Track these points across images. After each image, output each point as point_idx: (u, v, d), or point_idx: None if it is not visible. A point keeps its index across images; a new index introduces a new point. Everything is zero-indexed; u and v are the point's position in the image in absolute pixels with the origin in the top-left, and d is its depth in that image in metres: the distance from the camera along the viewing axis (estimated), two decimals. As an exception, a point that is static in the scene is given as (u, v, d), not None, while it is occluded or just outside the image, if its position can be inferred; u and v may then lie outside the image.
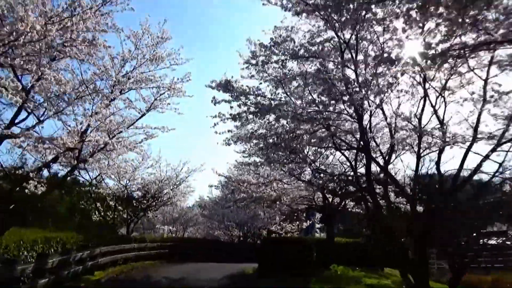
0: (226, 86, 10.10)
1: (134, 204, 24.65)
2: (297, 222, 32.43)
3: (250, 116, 10.68)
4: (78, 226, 27.42)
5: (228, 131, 12.15)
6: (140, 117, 14.70)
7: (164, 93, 14.65)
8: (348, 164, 17.38)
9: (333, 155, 16.81)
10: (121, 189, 22.34)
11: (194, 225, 36.00)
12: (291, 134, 10.23)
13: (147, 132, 14.66)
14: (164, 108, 15.05)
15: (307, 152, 15.49)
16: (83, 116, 11.10)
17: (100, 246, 13.16)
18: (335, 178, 14.78)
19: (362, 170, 13.40)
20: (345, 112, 10.34)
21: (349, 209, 22.83)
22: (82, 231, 17.40)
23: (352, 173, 16.84)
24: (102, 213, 22.63)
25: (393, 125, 11.78)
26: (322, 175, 18.92)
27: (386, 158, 11.84)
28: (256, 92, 10.96)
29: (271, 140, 10.76)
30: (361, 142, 10.70)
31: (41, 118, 12.60)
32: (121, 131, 13.63)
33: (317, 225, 31.59)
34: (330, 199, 19.63)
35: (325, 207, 19.32)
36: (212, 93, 10.63)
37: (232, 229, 32.07)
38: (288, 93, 11.23)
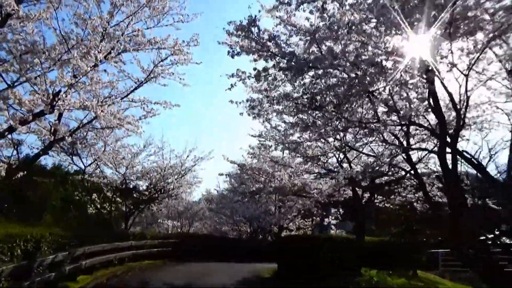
0: (249, 28, 7.28)
1: (135, 195, 22.18)
2: (312, 218, 29.72)
3: (280, 75, 7.90)
4: (74, 220, 24.94)
5: (247, 100, 9.38)
6: (137, 87, 12.08)
7: (166, 58, 11.99)
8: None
9: (367, 139, 13.96)
10: (120, 178, 19.78)
11: (201, 219, 33.72)
12: (349, 88, 7.27)
13: (144, 106, 12.09)
14: (167, 78, 12.44)
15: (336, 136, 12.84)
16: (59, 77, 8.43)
17: (84, 245, 10.50)
18: (374, 163, 11.99)
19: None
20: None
21: (377, 204, 20.12)
22: (70, 226, 14.88)
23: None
24: (99, 206, 20.04)
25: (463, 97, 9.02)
26: (351, 164, 16.24)
27: (453, 134, 9.00)
28: (285, 49, 8.18)
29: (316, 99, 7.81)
30: (433, 110, 7.87)
31: (13, 84, 10.20)
32: (113, 103, 11.03)
33: (333, 222, 28.86)
34: (360, 192, 16.83)
35: (354, 201, 16.53)
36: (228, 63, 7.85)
37: (241, 224, 29.56)
38: (324, 51, 8.41)
